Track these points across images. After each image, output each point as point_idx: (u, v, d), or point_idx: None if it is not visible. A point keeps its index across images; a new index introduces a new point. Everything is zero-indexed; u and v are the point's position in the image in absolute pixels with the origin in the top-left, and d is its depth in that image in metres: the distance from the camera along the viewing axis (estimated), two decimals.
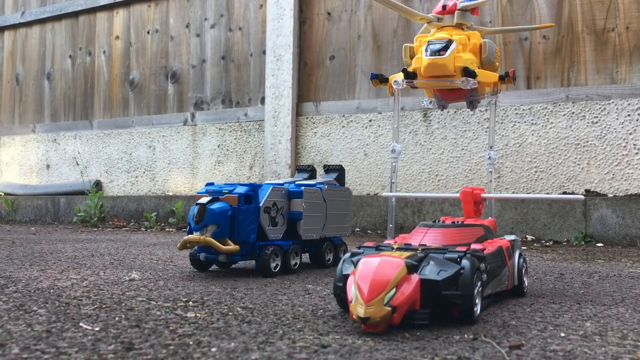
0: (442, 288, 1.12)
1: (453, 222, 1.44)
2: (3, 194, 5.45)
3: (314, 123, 4.19)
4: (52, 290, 1.38)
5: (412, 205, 3.71)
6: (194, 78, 4.77)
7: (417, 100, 3.83)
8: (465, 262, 1.16)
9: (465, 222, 1.47)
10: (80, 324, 1.05)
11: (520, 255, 1.50)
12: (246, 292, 1.43)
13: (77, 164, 5.20)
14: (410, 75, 1.79)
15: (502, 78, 1.76)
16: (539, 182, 3.48)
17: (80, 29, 5.39)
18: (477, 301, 1.18)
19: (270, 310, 1.22)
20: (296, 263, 1.79)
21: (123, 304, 1.24)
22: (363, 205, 3.84)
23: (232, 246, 1.62)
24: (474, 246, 1.32)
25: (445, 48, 1.71)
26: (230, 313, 1.19)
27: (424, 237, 1.34)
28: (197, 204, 1.62)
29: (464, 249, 1.21)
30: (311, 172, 2.04)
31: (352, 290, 1.08)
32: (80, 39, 5.39)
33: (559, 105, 3.46)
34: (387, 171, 3.89)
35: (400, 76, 1.82)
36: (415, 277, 1.10)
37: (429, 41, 1.74)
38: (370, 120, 4.01)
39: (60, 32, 5.50)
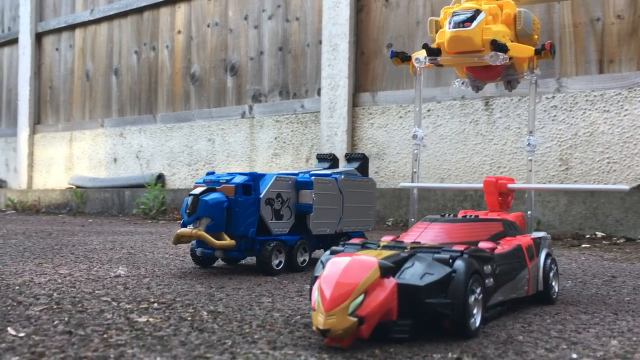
0: (425, 295, 0.93)
1: (464, 217, 1.24)
2: (74, 186, 5.57)
3: (370, 114, 4.01)
4: (18, 287, 1.28)
5: (457, 196, 3.47)
6: (252, 70, 4.68)
7: None
8: (458, 264, 0.97)
9: (479, 217, 1.27)
10: (8, 329, 0.94)
11: (547, 255, 1.28)
12: (230, 292, 1.29)
13: (137, 158, 5.24)
14: (433, 52, 1.59)
15: (537, 52, 1.53)
16: (612, 174, 3.16)
17: (145, 25, 5.42)
18: (474, 311, 0.99)
19: (238, 316, 1.07)
20: (305, 260, 1.63)
21: (79, 305, 1.13)
22: (420, 199, 3.63)
23: (227, 241, 1.48)
24: (482, 244, 1.12)
25: (471, 19, 1.51)
26: (190, 318, 1.05)
27: (422, 233, 1.15)
28: (190, 194, 1.49)
29: (462, 247, 1.02)
30: (333, 161, 1.87)
31: (315, 296, 0.92)
32: (145, 35, 5.42)
33: (635, 90, 3.13)
34: (446, 163, 3.67)
35: (422, 53, 1.62)
36: (390, 282, 0.92)
37: (453, 12, 1.54)
38: (428, 110, 3.78)
39: (127, 28, 5.56)
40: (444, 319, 0.95)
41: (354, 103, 4.08)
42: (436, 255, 0.99)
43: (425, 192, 3.60)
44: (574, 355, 0.88)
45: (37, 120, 6.12)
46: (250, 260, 1.79)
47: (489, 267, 1.06)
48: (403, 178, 3.85)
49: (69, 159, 5.82)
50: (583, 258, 2.08)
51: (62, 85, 6.00)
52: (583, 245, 2.56)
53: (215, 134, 4.83)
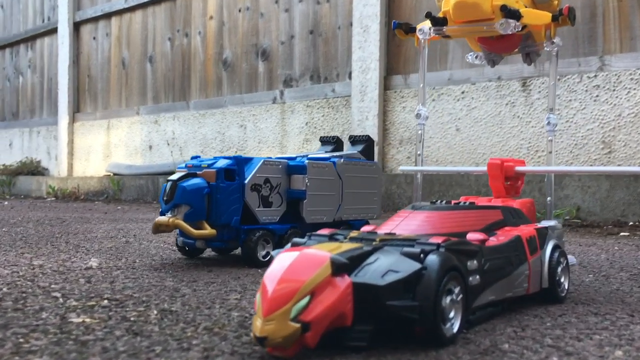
0: (385, 296, 0.79)
1: (456, 204, 1.10)
2: (112, 174, 5.58)
3: (402, 97, 3.84)
4: None
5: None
6: (282, 55, 4.56)
7: (515, 69, 3.37)
8: (431, 260, 0.83)
9: (474, 204, 1.11)
10: None
11: (555, 248, 1.12)
12: (200, 287, 1.17)
13: (168, 144, 5.20)
14: (438, 22, 1.44)
15: (554, 18, 1.36)
16: None
17: (178, 11, 5.36)
18: (450, 315, 0.84)
19: (190, 316, 0.96)
20: None
21: (21, 302, 1.03)
22: (452, 185, 3.45)
23: (207, 230, 1.37)
24: (470, 236, 0.97)
25: None
26: (134, 319, 0.94)
27: (401, 223, 1.01)
28: (167, 180, 1.38)
29: (440, 240, 0.87)
30: (336, 144, 1.73)
31: (257, 298, 0.79)
32: (177, 21, 5.36)
33: None
34: (481, 147, 3.48)
35: (427, 24, 1.47)
36: (344, 281, 0.78)
37: None
38: (462, 92, 3.59)
39: (160, 15, 5.51)
40: (412, 325, 0.81)
41: (386, 86, 3.92)
42: (405, 249, 0.84)
43: (458, 178, 3.42)
44: None
45: (76, 108, 6.16)
46: None
47: (475, 262, 0.91)
48: (436, 163, 3.68)
49: (107, 146, 5.84)
50: (616, 248, 1.89)
51: (99, 74, 6.01)
52: (621, 234, 2.35)
53: (246, 120, 4.74)
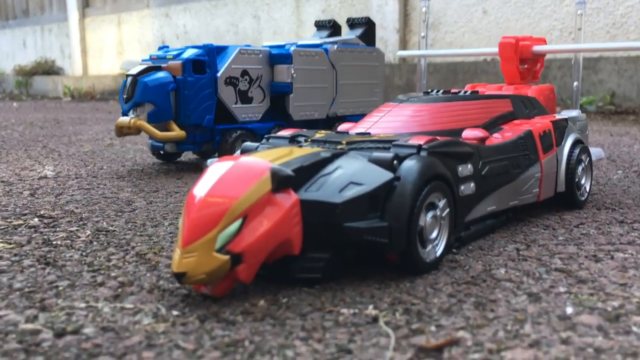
0: (344, 217, 0.61)
1: (455, 94, 0.89)
2: (126, 71, 5.41)
3: None
4: None
5: None
6: None
7: None
8: (407, 167, 0.64)
9: (476, 93, 0.91)
10: None
11: (576, 143, 0.92)
12: (157, 199, 1.02)
13: (178, 39, 4.97)
14: None
15: None
16: None
17: None
18: (432, 235, 0.67)
19: (127, 238, 0.80)
20: None
21: None
22: (477, 73, 3.20)
23: (174, 132, 1.20)
24: (466, 133, 0.78)
25: None
26: (58, 242, 0.79)
27: (380, 119, 0.81)
28: (127, 75, 1.20)
29: (423, 140, 0.68)
30: (332, 28, 1.51)
31: (179, 223, 0.62)
32: None
33: None
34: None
35: None
36: (288, 199, 0.61)
37: None
38: None
39: None
40: (381, 251, 0.64)
41: None
42: (374, 155, 0.66)
43: (484, 65, 3.16)
44: (569, 310, 0.56)
45: (85, 3, 5.91)
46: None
47: (469, 167, 0.73)
48: (462, 45, 3.40)
49: (119, 43, 5.63)
50: None
51: None
52: None
53: (260, 9, 4.45)
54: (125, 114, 1.21)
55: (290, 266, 0.62)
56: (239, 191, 0.58)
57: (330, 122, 1.40)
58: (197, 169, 1.30)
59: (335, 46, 1.36)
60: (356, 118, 1.47)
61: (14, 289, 0.62)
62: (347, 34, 1.51)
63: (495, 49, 1.07)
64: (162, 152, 1.33)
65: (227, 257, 0.57)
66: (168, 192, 1.07)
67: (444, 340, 0.50)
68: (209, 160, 0.67)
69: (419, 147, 0.67)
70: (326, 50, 1.34)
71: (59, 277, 0.65)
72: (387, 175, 0.63)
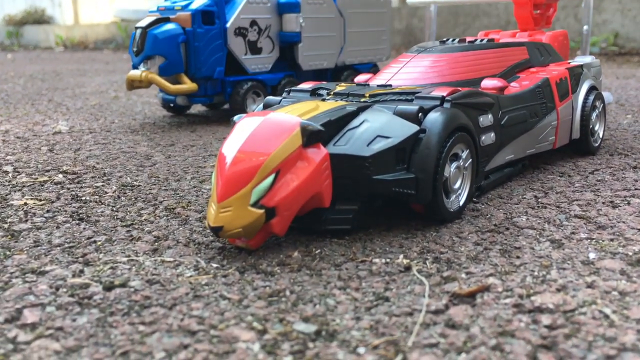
0: (372, 169, 0.63)
1: (472, 42, 0.90)
2: (119, 19, 5.32)
3: None
4: None
5: None
6: None
7: None
8: (431, 120, 0.66)
9: (492, 41, 0.91)
10: None
11: (591, 90, 0.93)
12: (174, 153, 1.03)
13: None
14: None
15: None
16: None
17: None
18: (456, 185, 0.69)
19: (153, 192, 0.82)
20: None
21: None
22: (479, 16, 3.17)
23: (186, 85, 1.20)
24: (486, 83, 0.79)
25: None
26: (86, 198, 0.80)
27: (401, 69, 0.82)
28: (136, 27, 1.19)
29: (446, 91, 0.70)
30: None
31: (212, 178, 0.64)
32: None
33: None
34: None
35: None
36: (318, 153, 0.62)
37: None
38: None
39: None
40: (408, 201, 0.66)
41: None
42: (399, 107, 0.67)
43: (486, 7, 3.12)
44: (592, 255, 0.59)
45: None
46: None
47: (490, 117, 0.74)
48: None
49: None
50: None
51: None
52: None
53: None
54: (135, 67, 1.21)
55: (320, 218, 0.64)
56: (271, 147, 0.60)
57: (338, 72, 1.40)
58: (209, 121, 1.31)
59: None
60: (364, 67, 1.47)
61: (54, 244, 0.64)
62: None
63: None
64: (172, 105, 1.33)
65: (261, 210, 0.59)
66: (184, 145, 1.08)
67: (476, 287, 0.53)
68: (236, 117, 0.68)
69: (443, 99, 0.68)
70: None
71: (95, 233, 0.67)
72: (412, 128, 0.65)
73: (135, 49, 1.18)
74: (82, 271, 0.58)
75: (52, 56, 3.91)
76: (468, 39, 0.92)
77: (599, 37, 2.66)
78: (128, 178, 0.88)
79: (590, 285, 0.53)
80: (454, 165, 0.68)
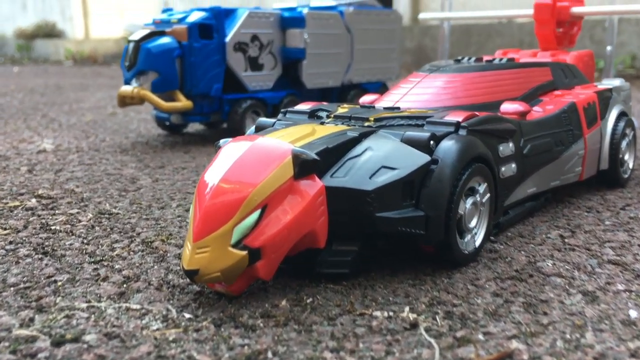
0: (375, 206, 0.54)
1: (490, 61, 0.81)
2: (129, 34, 5.29)
3: None
4: None
5: None
6: None
7: None
8: (445, 148, 0.57)
9: (512, 61, 0.83)
10: None
11: (621, 115, 0.84)
12: (162, 176, 0.95)
13: (182, 0, 4.84)
14: None
15: None
16: None
17: None
18: (471, 224, 0.60)
19: (132, 222, 0.74)
20: None
21: None
22: (492, 35, 3.09)
23: (180, 102, 1.12)
24: (505, 107, 0.70)
25: None
26: (57, 227, 0.72)
27: (409, 91, 0.74)
28: (129, 40, 1.12)
29: (461, 116, 0.61)
30: None
31: (190, 212, 0.55)
32: None
33: None
34: None
35: None
36: (313, 186, 0.54)
37: None
38: None
39: None
40: (416, 242, 0.57)
41: None
42: (408, 134, 0.59)
43: (499, 27, 3.05)
44: (633, 314, 0.49)
45: None
46: None
47: (510, 145, 0.65)
48: (502, 6, 3.28)
49: (121, 3, 5.51)
50: None
51: None
52: None
53: None
54: (127, 82, 1.13)
55: (314, 260, 0.56)
56: (258, 177, 0.51)
57: (344, 91, 1.32)
58: (205, 141, 1.23)
59: (351, 8, 1.28)
60: (372, 86, 1.39)
61: (8, 284, 0.56)
62: None
63: (530, 11, 0.99)
64: (167, 123, 1.26)
65: (244, 252, 0.50)
66: (175, 168, 1.00)
67: (496, 355, 0.44)
68: (221, 141, 0.60)
69: (458, 125, 0.60)
70: (341, 12, 1.26)
71: (58, 270, 0.59)
72: (423, 157, 0.56)
73: (127, 63, 1.10)
74: (32, 319, 0.49)
75: (59, 70, 3.87)
76: (485, 57, 0.84)
77: (616, 59, 2.58)
78: (107, 204, 0.80)
79: (634, 354, 0.43)
80: (469, 201, 0.59)
